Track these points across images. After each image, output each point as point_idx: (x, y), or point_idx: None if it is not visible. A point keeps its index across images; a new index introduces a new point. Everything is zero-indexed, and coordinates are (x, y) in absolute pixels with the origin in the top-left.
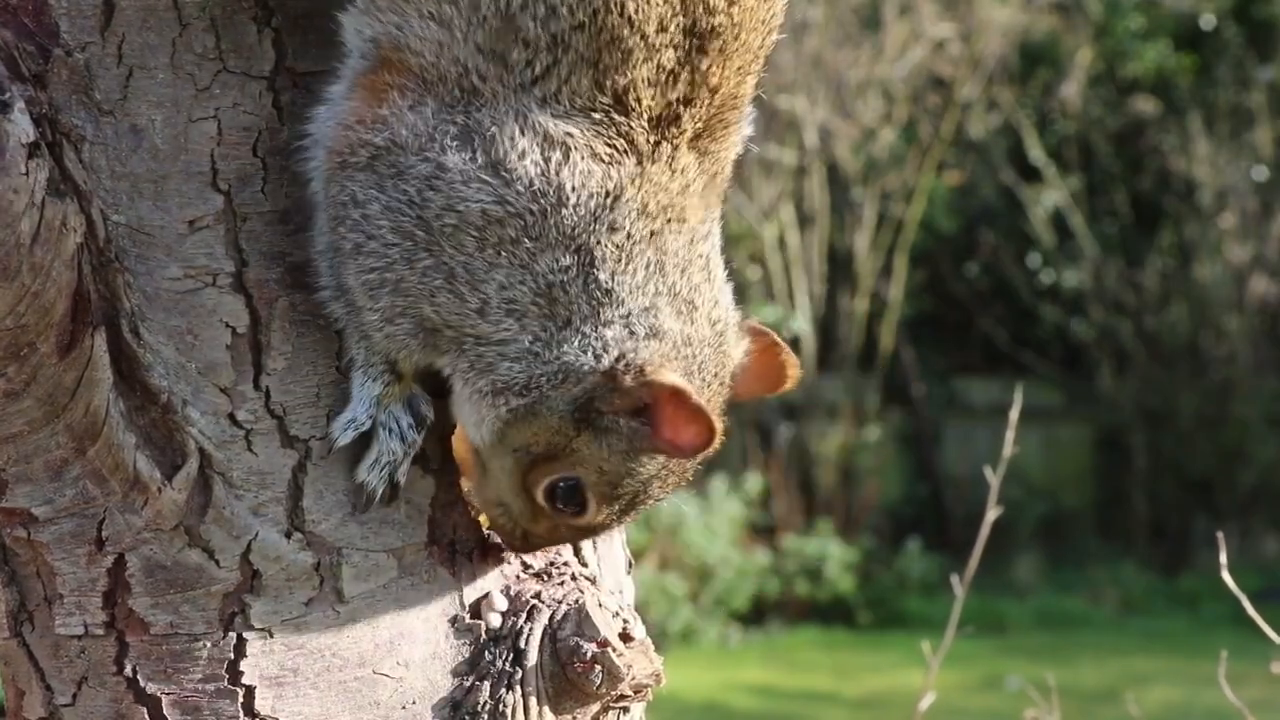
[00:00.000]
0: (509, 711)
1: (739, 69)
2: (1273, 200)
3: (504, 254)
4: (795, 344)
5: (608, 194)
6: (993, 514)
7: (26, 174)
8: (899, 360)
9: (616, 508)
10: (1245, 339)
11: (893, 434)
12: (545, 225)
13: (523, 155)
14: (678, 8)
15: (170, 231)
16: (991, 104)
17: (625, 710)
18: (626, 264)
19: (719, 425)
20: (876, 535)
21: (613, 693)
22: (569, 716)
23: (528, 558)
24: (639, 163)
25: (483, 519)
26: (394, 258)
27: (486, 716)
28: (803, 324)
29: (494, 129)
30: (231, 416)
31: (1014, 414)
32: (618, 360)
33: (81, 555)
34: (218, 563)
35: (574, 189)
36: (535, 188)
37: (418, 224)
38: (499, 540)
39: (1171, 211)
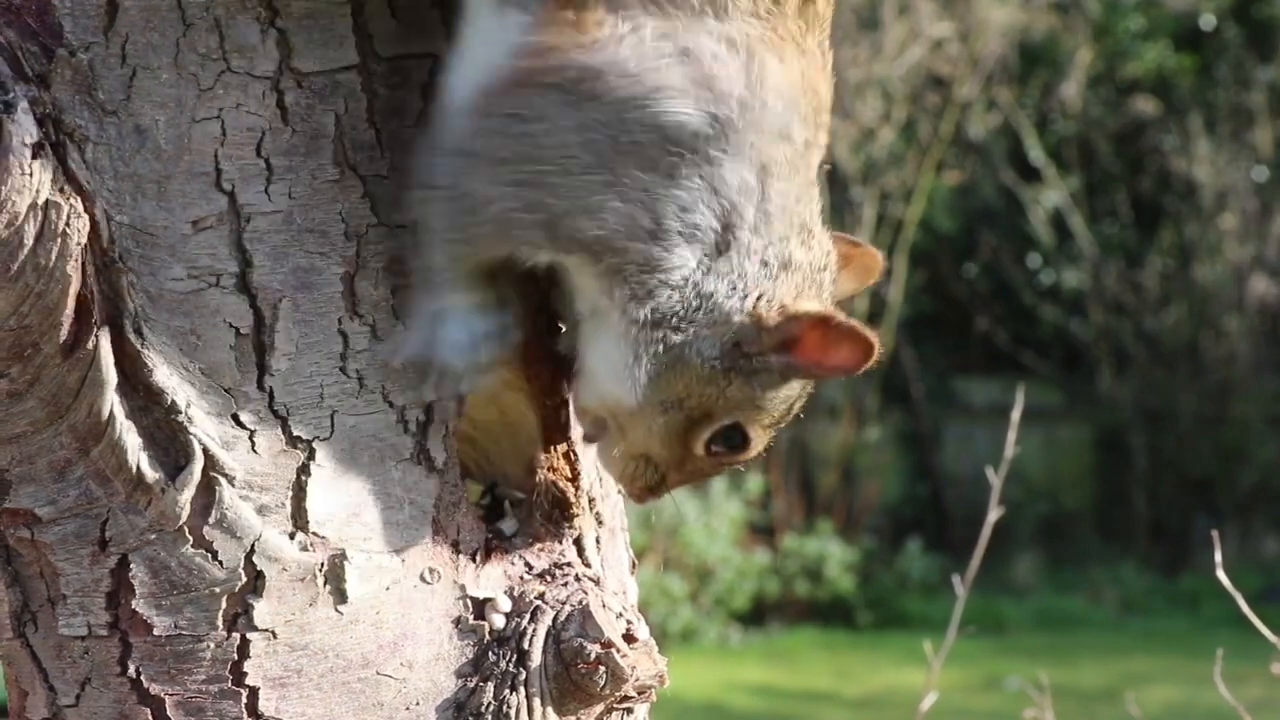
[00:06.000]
0: (513, 712)
1: None
2: (1273, 200)
3: (696, 172)
4: None
5: (791, 99)
6: (994, 514)
7: (30, 174)
8: (899, 360)
9: (771, 433)
10: (1245, 339)
11: (893, 434)
12: (742, 138)
13: (723, 63)
14: None
15: (174, 232)
16: (991, 104)
17: (629, 711)
18: (788, 184)
19: (874, 338)
20: (876, 535)
21: (617, 694)
22: (573, 717)
23: (531, 559)
24: (800, 59)
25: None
26: (571, 168)
27: (490, 717)
28: None
29: (701, 40)
30: (235, 417)
31: (1015, 414)
32: (759, 300)
33: (85, 556)
34: (221, 564)
35: (767, 90)
36: (738, 95)
37: (610, 142)
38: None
39: (1171, 212)
